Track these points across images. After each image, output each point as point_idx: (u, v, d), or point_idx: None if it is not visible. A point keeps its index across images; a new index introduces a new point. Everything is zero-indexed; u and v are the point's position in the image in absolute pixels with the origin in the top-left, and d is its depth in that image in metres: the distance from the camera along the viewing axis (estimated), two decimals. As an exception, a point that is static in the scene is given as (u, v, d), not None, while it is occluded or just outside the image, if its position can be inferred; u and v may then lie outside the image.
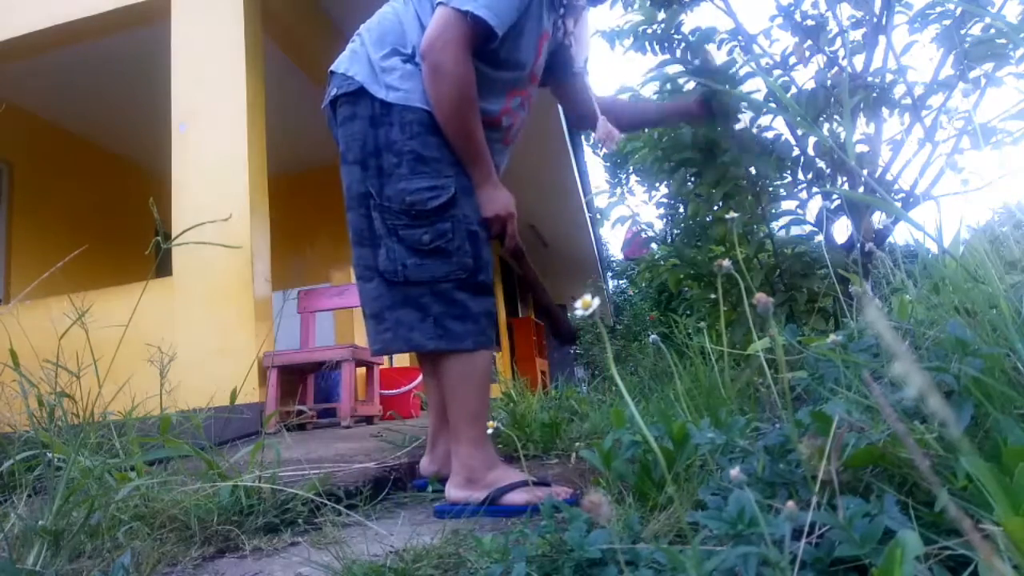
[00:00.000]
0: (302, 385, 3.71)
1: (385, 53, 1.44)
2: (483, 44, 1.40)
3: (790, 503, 0.58)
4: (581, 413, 2.49)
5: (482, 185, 1.46)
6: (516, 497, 1.33)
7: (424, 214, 1.36)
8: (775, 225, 2.34)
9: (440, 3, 1.37)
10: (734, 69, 2.14)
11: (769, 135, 2.23)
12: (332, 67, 1.50)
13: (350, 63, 1.46)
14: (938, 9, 1.94)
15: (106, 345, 1.36)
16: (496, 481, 1.36)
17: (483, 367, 1.42)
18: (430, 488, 1.61)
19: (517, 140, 1.68)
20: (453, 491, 1.39)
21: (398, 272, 1.37)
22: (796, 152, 2.21)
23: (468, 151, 1.42)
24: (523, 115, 1.65)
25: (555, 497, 1.16)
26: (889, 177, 2.12)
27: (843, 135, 1.90)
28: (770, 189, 2.33)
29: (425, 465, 1.69)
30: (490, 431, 1.34)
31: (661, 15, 2.28)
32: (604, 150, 1.85)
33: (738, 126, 2.10)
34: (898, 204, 2.04)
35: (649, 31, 2.29)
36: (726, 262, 1.07)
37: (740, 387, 1.54)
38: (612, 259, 15.47)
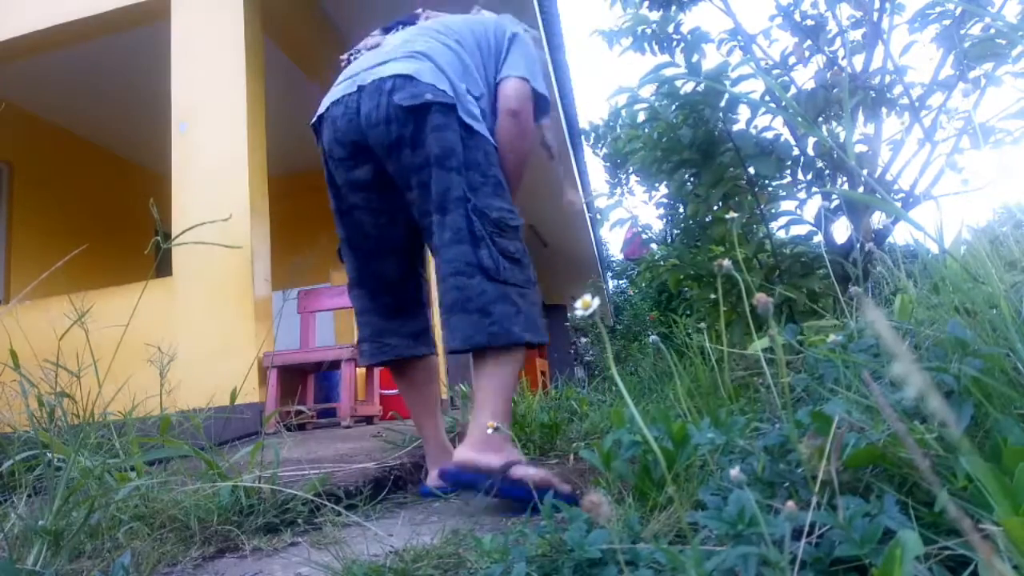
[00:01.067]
0: (302, 385, 3.71)
1: (465, 87, 1.58)
2: None
3: (790, 503, 0.58)
4: (581, 413, 2.49)
5: None
6: (529, 471, 1.33)
7: (509, 229, 1.53)
8: (774, 225, 2.34)
9: (522, 79, 1.63)
10: (730, 70, 2.14)
11: (769, 135, 2.23)
12: (404, 71, 1.52)
13: (436, 78, 1.53)
14: (938, 9, 1.94)
15: (106, 345, 1.36)
16: (511, 454, 1.40)
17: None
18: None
19: None
20: (469, 452, 1.38)
21: (500, 271, 1.48)
22: (796, 152, 2.21)
23: (515, 193, 1.67)
24: None
25: (559, 487, 1.27)
26: (889, 177, 2.12)
27: (843, 135, 1.90)
28: (769, 189, 2.33)
29: (436, 479, 1.63)
30: (490, 431, 1.34)
31: (655, 15, 2.28)
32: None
33: (736, 127, 2.10)
34: (898, 204, 2.04)
35: (648, 31, 2.29)
36: (726, 262, 1.07)
37: (738, 386, 1.54)
38: (612, 259, 15.47)
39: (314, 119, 1.66)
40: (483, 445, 1.38)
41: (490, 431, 1.33)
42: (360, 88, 1.55)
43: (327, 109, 1.61)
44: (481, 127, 1.56)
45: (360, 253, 1.68)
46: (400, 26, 1.81)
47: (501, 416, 1.43)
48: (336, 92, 1.61)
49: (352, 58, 1.76)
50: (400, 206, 1.61)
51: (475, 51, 1.66)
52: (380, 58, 1.60)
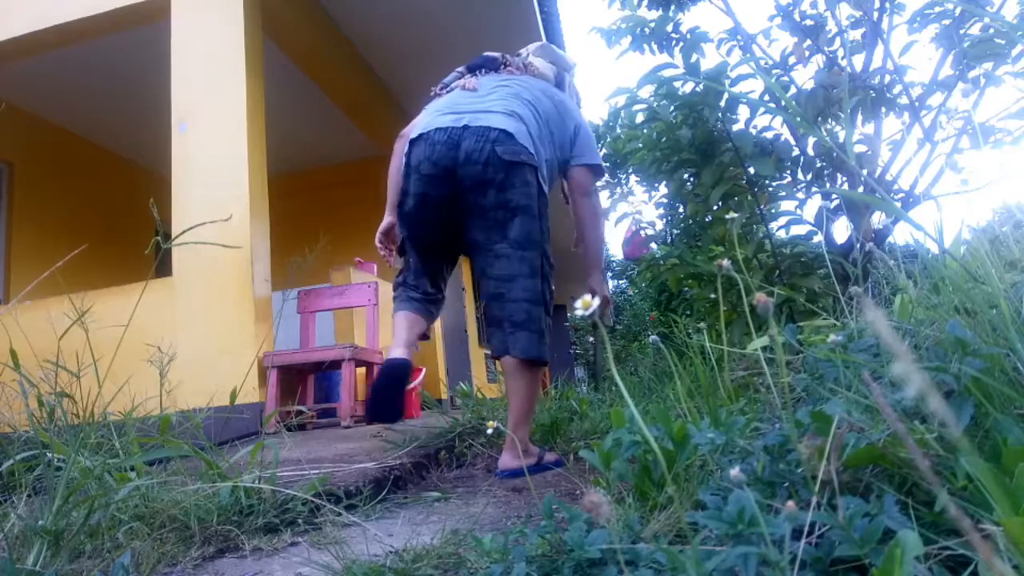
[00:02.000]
0: (302, 385, 3.71)
1: (542, 153, 1.94)
2: None
3: (790, 503, 0.58)
4: (581, 413, 2.49)
5: None
6: (549, 456, 1.92)
7: (552, 269, 1.94)
8: (774, 225, 2.34)
9: (591, 166, 2.07)
10: (730, 70, 2.13)
11: (768, 135, 2.23)
12: (507, 128, 1.84)
13: (527, 141, 1.88)
14: (937, 9, 1.94)
15: (106, 345, 1.36)
16: (535, 451, 1.93)
17: None
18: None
19: None
20: (513, 461, 1.82)
21: (548, 303, 1.90)
22: (796, 152, 2.21)
23: (599, 255, 2.17)
24: None
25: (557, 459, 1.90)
26: (889, 177, 2.12)
27: (843, 135, 1.90)
28: (769, 189, 2.33)
29: (406, 354, 1.94)
30: (490, 431, 1.34)
31: (654, 14, 2.28)
32: None
33: (736, 127, 2.10)
34: (898, 204, 2.04)
35: (647, 31, 2.29)
36: (726, 262, 1.07)
37: (738, 386, 1.54)
38: (612, 259, 15.46)
39: (415, 133, 1.92)
40: (522, 454, 1.84)
41: (490, 430, 1.42)
42: (466, 127, 1.85)
43: (429, 131, 1.88)
44: (547, 188, 1.95)
45: (418, 251, 2.02)
46: (482, 69, 2.15)
47: (531, 416, 1.92)
48: (440, 120, 1.90)
49: (443, 91, 2.10)
50: (453, 224, 1.92)
51: (549, 123, 2.03)
52: (484, 106, 1.93)
